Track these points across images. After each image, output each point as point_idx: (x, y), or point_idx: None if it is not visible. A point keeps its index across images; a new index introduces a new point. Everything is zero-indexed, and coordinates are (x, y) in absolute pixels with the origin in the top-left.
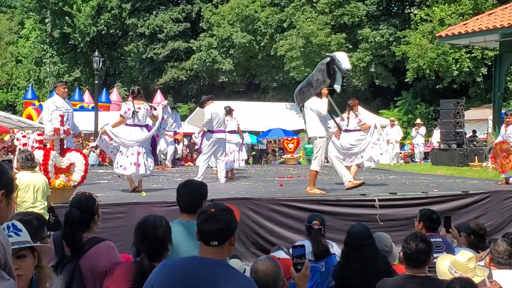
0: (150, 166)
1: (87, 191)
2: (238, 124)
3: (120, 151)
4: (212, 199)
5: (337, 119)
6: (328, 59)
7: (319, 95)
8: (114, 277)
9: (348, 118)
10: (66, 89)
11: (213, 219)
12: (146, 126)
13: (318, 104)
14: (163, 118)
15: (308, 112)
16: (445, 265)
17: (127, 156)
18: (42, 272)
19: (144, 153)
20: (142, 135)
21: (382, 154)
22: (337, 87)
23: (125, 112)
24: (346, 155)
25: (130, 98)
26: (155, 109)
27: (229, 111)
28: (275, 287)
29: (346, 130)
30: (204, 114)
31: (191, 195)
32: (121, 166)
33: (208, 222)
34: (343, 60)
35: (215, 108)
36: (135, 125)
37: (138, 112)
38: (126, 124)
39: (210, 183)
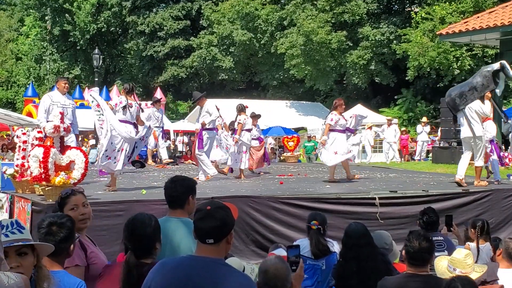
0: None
1: (79, 187)
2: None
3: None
4: (212, 197)
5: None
6: (496, 66)
7: (481, 98)
8: (105, 279)
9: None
10: (67, 85)
11: (209, 217)
12: (135, 124)
13: (483, 107)
14: (142, 138)
15: (473, 114)
16: (443, 265)
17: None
18: (40, 272)
19: (126, 151)
20: (133, 133)
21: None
22: (499, 91)
23: (116, 104)
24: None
25: (123, 93)
26: (142, 110)
27: (242, 109)
28: None
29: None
30: (209, 109)
31: (176, 190)
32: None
33: (204, 220)
34: (509, 67)
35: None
36: (126, 121)
37: (130, 108)
38: (119, 120)
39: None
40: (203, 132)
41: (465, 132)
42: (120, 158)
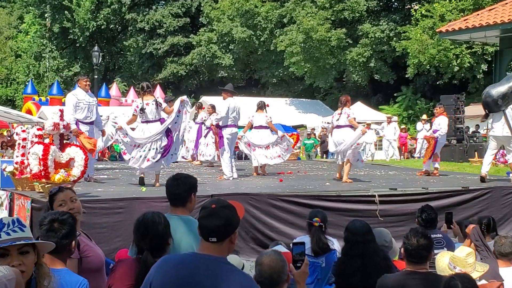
0: (163, 161)
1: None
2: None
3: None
4: (211, 195)
5: None
6: None
7: None
8: (117, 275)
9: (340, 114)
10: (88, 83)
11: (213, 216)
12: (160, 120)
13: None
14: (179, 111)
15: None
16: (445, 261)
17: (141, 151)
18: (41, 269)
19: (154, 149)
20: (155, 130)
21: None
22: None
23: (135, 110)
24: (340, 151)
25: (140, 94)
26: (161, 104)
27: (259, 107)
28: (279, 281)
29: (337, 126)
30: (221, 108)
31: (179, 187)
32: (132, 158)
33: (208, 218)
34: None
35: (234, 102)
36: (146, 121)
37: (145, 108)
38: (141, 121)
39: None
40: (222, 131)
41: (501, 131)
42: (139, 156)
